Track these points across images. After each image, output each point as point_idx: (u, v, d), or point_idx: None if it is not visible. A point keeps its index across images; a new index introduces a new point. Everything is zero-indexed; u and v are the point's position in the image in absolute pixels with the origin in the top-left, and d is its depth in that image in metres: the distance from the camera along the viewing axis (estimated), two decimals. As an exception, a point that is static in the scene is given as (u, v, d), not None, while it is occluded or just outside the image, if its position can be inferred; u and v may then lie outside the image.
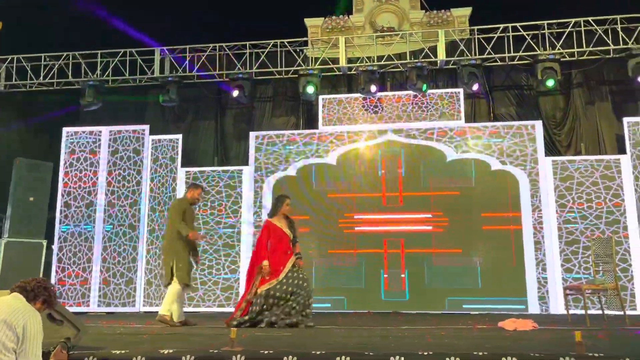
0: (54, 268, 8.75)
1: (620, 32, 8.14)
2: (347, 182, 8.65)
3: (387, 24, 9.25)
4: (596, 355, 3.35)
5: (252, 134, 9.05)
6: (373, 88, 8.43)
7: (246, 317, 5.63)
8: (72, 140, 9.18)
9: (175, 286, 5.89)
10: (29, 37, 9.02)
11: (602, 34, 8.19)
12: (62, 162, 9.10)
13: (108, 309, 8.52)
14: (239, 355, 3.50)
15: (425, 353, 3.47)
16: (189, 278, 6.01)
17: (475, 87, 8.35)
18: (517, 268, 7.99)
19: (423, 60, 8.53)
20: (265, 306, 5.62)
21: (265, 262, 5.65)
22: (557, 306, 7.68)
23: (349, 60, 8.91)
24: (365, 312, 7.96)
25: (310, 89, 8.61)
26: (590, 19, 8.25)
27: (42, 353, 3.22)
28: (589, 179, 8.07)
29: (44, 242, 8.54)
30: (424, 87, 8.38)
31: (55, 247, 8.81)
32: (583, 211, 8.00)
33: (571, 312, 6.46)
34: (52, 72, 9.30)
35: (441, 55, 8.55)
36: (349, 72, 9.05)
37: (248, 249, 8.58)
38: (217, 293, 8.50)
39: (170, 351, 3.61)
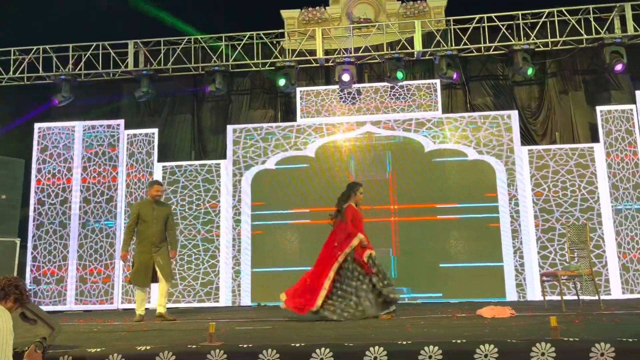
0: (28, 267, 8.57)
1: (593, 22, 8.25)
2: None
3: (364, 15, 9.22)
4: (571, 339, 3.41)
5: (230, 127, 8.97)
6: (345, 77, 8.41)
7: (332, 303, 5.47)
8: (44, 136, 8.98)
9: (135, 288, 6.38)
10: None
11: (575, 24, 8.30)
12: (34, 159, 8.90)
13: (85, 307, 8.39)
14: (217, 350, 3.47)
15: (405, 342, 3.48)
16: (137, 279, 6.21)
17: (454, 75, 8.37)
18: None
19: (400, 51, 8.54)
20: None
21: (361, 235, 5.58)
22: (534, 293, 7.81)
23: (326, 52, 8.88)
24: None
25: (281, 82, 8.58)
26: (563, 9, 8.34)
27: (15, 353, 3.15)
28: (563, 167, 8.19)
29: (17, 241, 8.35)
30: (399, 74, 8.34)
31: (29, 245, 8.62)
32: (558, 199, 8.13)
33: (547, 298, 6.56)
34: (22, 67, 9.08)
35: (418, 46, 8.57)
36: (326, 64, 9.02)
37: (228, 243, 8.54)
38: (196, 288, 8.43)
39: (148, 347, 3.56)
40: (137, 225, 6.30)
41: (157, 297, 6.29)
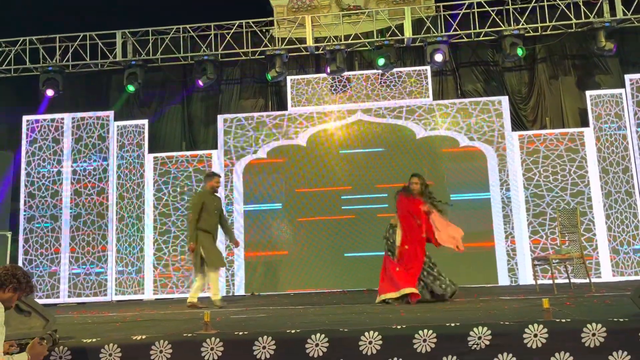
0: (20, 261, 8.51)
1: (582, 6, 8.26)
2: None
3: (354, 2, 9.17)
4: (563, 320, 3.45)
5: (220, 117, 8.92)
6: (329, 68, 8.39)
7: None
8: (33, 129, 8.89)
9: (210, 273, 6.27)
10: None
11: (564, 8, 8.30)
12: (23, 152, 8.82)
13: (79, 300, 8.37)
14: (213, 338, 3.47)
15: (399, 327, 3.51)
16: (218, 260, 6.35)
17: (438, 57, 8.29)
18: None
19: (390, 38, 8.51)
20: None
21: None
22: (526, 277, 7.88)
23: (316, 40, 8.83)
24: (340, 291, 8.02)
25: (269, 76, 8.59)
26: (552, -7, 8.35)
27: (19, 345, 3.14)
28: (554, 152, 8.24)
29: (9, 234, 8.29)
30: (379, 60, 8.25)
31: (20, 238, 8.56)
32: (549, 183, 8.18)
33: (539, 282, 6.62)
34: (8, 59, 8.96)
35: (408, 32, 8.54)
36: (316, 52, 8.97)
37: (220, 233, 8.50)
38: (191, 278, 8.42)
39: (143, 337, 3.56)
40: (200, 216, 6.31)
41: (212, 288, 6.37)
